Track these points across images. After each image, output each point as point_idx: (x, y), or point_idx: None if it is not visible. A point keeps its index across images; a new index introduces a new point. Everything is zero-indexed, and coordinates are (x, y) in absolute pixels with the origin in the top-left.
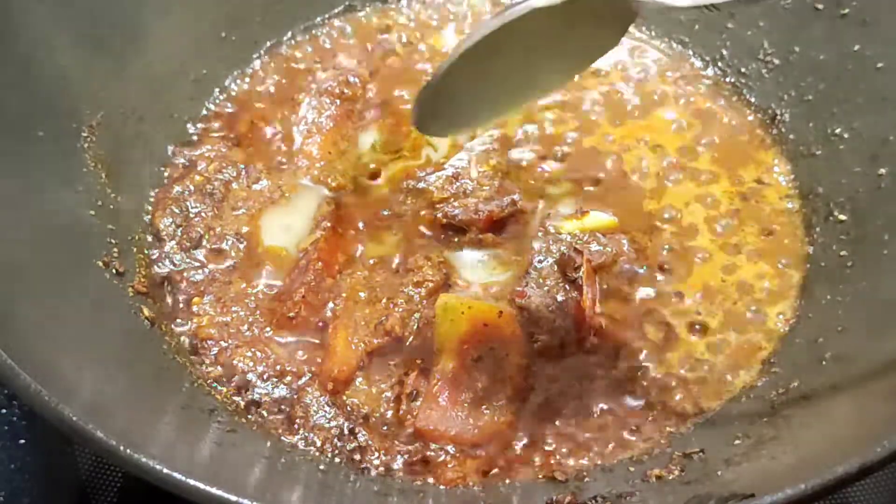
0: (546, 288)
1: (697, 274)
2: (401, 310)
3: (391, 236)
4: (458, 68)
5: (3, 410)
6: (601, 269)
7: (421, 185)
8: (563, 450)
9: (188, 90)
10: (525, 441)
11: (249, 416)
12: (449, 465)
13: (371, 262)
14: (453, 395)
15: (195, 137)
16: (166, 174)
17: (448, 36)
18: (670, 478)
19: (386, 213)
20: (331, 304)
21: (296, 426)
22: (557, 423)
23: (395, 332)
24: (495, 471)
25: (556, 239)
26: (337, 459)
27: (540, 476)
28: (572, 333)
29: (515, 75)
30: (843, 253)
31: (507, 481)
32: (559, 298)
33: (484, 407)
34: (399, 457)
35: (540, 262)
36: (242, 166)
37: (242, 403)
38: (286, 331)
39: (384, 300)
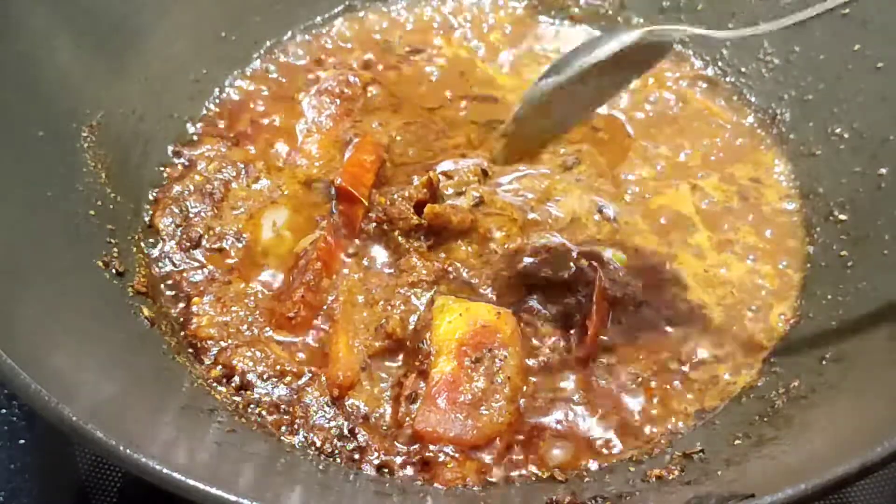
0: (554, 303)
1: (698, 272)
2: (399, 311)
3: (386, 236)
4: (528, 111)
5: (3, 410)
6: (616, 304)
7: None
8: (563, 450)
9: (188, 90)
10: (525, 441)
11: (249, 416)
12: (448, 466)
13: (365, 262)
14: (452, 396)
15: (195, 137)
16: (166, 174)
17: (448, 36)
18: (670, 478)
19: (384, 213)
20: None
21: (296, 426)
22: (557, 423)
23: (396, 334)
24: (495, 471)
25: (568, 254)
26: (337, 459)
27: (540, 476)
28: (575, 351)
29: (572, 104)
30: (843, 253)
31: (507, 481)
32: (568, 313)
33: (483, 408)
34: (398, 457)
35: (550, 276)
36: (242, 166)
37: (242, 403)
38: (286, 331)
39: (381, 302)
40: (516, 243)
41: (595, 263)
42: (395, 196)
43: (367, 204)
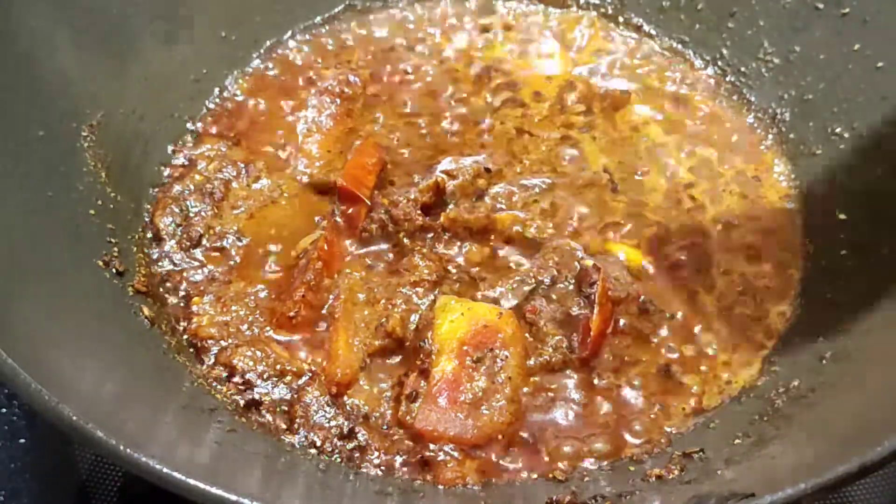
0: (557, 303)
1: (697, 270)
2: (400, 310)
3: (388, 236)
4: None
5: (3, 410)
6: (618, 304)
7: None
8: (564, 450)
9: (188, 90)
10: (525, 441)
11: (249, 416)
12: (448, 465)
13: (367, 261)
14: (453, 395)
15: (195, 137)
16: (166, 174)
17: (448, 35)
18: (670, 478)
19: (388, 215)
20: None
21: (296, 426)
22: (557, 423)
23: (396, 333)
24: (495, 471)
25: (573, 254)
26: (337, 459)
27: (540, 476)
28: (577, 351)
29: None
30: (843, 252)
31: (507, 481)
32: (571, 313)
33: (483, 407)
34: (399, 456)
35: (555, 276)
36: (242, 165)
37: (242, 403)
38: (286, 330)
39: (382, 301)
40: (529, 236)
41: (599, 264)
42: (400, 198)
43: (369, 204)
